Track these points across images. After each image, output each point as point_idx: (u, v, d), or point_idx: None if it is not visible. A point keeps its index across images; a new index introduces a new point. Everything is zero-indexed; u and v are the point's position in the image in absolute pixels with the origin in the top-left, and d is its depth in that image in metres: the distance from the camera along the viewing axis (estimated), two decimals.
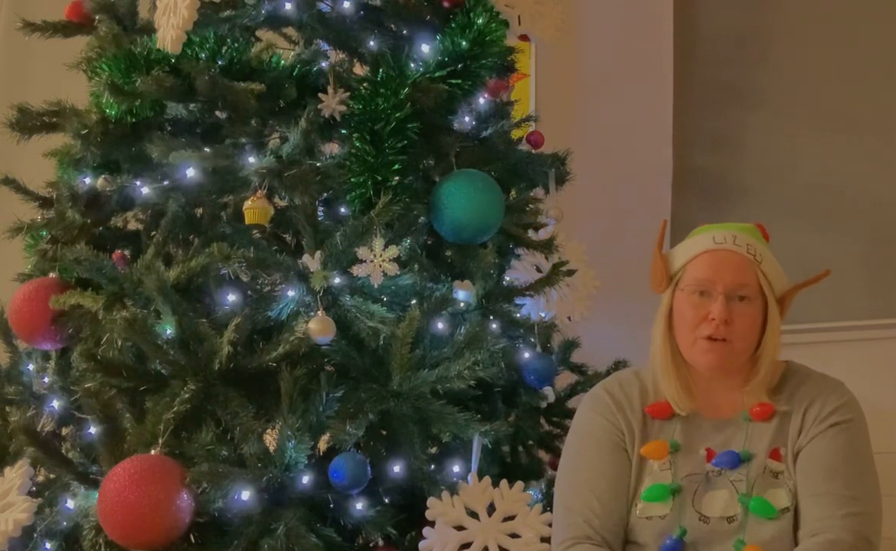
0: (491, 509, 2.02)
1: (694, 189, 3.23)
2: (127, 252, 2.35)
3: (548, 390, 2.35)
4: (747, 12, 3.28)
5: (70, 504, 2.08)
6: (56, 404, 2.27)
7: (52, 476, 2.17)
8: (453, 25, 2.26)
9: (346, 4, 2.33)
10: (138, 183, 2.27)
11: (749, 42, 3.26)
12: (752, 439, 1.79)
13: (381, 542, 2.01)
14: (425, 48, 2.28)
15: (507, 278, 2.37)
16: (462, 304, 2.21)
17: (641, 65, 3.32)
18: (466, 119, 2.42)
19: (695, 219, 2.07)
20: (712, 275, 1.81)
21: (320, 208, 2.20)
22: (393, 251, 2.05)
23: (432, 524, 1.99)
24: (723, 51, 3.29)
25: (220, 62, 2.17)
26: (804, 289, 1.88)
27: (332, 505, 1.98)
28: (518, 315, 2.35)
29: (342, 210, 2.19)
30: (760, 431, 1.80)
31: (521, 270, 2.39)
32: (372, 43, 2.33)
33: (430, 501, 2.00)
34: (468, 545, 1.98)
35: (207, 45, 2.16)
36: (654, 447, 1.82)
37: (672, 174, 3.22)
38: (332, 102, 2.19)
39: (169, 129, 2.29)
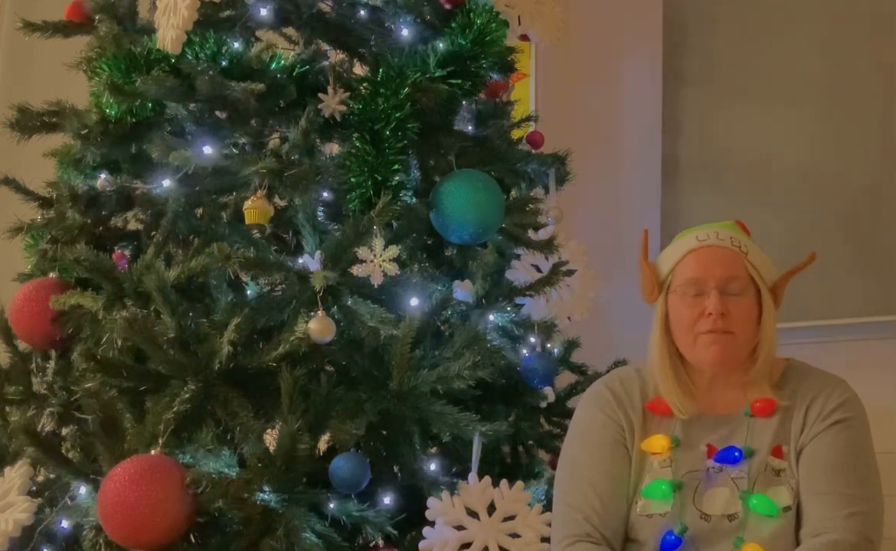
0: (491, 509, 2.02)
1: (687, 183, 3.21)
2: (127, 252, 2.35)
3: (548, 390, 2.35)
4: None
5: (70, 504, 2.08)
6: (56, 404, 2.27)
7: (52, 476, 2.17)
8: (453, 25, 2.27)
9: (346, 4, 2.33)
10: (138, 183, 2.27)
11: (734, 27, 3.24)
12: (753, 435, 1.79)
13: (381, 542, 2.01)
14: (425, 48, 2.28)
15: (507, 278, 2.37)
16: (462, 304, 2.21)
17: (636, 59, 3.32)
18: (466, 119, 2.42)
19: (693, 215, 2.06)
20: (702, 273, 1.81)
21: (320, 208, 2.20)
22: (393, 251, 2.04)
23: (432, 524, 1.99)
24: (711, 39, 3.28)
25: (220, 62, 2.17)
26: (795, 275, 1.88)
27: (332, 505, 1.98)
28: (518, 315, 2.35)
29: (342, 210, 2.19)
30: (762, 427, 1.79)
31: (521, 270, 2.39)
32: (372, 43, 2.33)
33: (430, 501, 2.00)
34: (468, 545, 1.98)
35: (207, 45, 2.17)
36: (655, 442, 1.81)
37: (661, 169, 3.21)
38: (332, 102, 2.19)
39: (169, 129, 2.29)
